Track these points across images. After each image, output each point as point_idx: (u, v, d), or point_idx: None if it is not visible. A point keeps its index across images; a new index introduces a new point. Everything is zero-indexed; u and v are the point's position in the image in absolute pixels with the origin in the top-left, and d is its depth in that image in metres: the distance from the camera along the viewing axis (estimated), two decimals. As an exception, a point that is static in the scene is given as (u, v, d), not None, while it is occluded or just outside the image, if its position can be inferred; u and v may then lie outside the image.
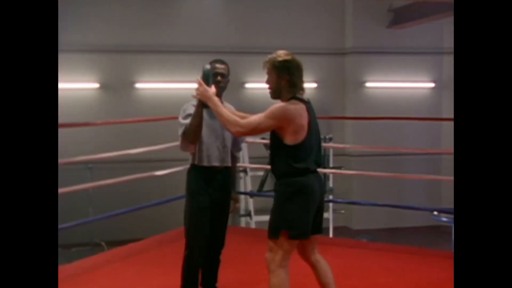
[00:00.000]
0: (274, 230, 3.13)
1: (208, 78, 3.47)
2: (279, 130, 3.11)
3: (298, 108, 3.08)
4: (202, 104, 3.47)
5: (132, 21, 8.50)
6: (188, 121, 3.55)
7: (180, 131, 3.59)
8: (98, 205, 7.17)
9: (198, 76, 3.47)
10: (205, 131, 3.61)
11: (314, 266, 3.39)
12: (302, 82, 3.16)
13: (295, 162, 3.08)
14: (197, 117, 3.52)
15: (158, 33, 8.59)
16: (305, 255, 3.39)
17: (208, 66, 3.54)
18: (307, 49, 9.27)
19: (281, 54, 3.18)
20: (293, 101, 3.11)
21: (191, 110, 3.57)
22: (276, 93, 3.19)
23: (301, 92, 3.16)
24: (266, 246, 3.11)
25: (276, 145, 3.16)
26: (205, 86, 3.32)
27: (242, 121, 3.14)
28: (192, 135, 3.54)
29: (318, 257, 3.39)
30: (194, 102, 3.58)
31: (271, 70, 3.18)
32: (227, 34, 8.92)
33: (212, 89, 3.37)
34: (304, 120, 3.07)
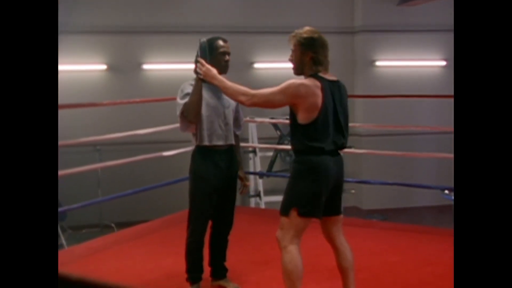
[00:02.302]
0: (285, 207, 3.13)
1: (205, 53, 3.40)
2: (293, 107, 3.10)
3: (312, 86, 3.03)
4: (201, 82, 3.41)
5: (139, 2, 8.43)
6: (186, 100, 3.46)
7: (178, 111, 3.50)
8: (107, 187, 7.17)
9: (196, 53, 3.41)
10: (205, 110, 3.52)
11: (336, 249, 3.37)
12: (326, 60, 3.15)
13: (309, 141, 3.06)
14: (196, 94, 3.44)
15: (165, 13, 8.51)
16: (330, 237, 3.40)
17: (204, 40, 3.44)
18: (316, 27, 9.17)
19: (307, 31, 3.17)
20: (311, 78, 3.07)
21: (189, 89, 3.49)
22: (299, 69, 3.18)
23: (324, 70, 3.13)
24: (276, 227, 3.10)
25: (292, 123, 3.15)
26: (207, 65, 3.28)
27: (254, 91, 3.14)
28: (192, 113, 3.45)
29: (343, 241, 3.39)
30: (192, 81, 3.51)
31: (296, 45, 3.16)
32: (235, 14, 8.84)
33: (214, 71, 3.31)
34: (318, 99, 3.01)
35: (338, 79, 3.20)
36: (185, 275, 3.71)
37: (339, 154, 3.22)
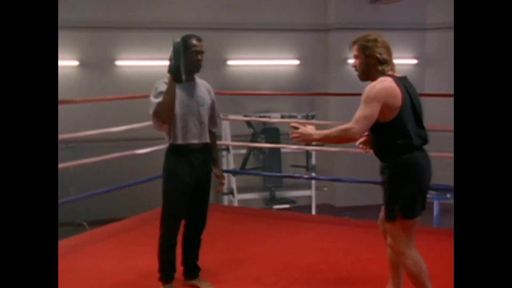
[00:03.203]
0: (390, 214, 3.10)
1: (179, 53, 3.36)
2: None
3: (389, 83, 3.00)
4: (175, 80, 3.38)
5: (112, -2, 8.35)
6: (160, 99, 3.43)
7: (151, 110, 3.46)
8: (79, 185, 7.10)
9: (171, 52, 3.38)
10: (179, 108, 3.49)
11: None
12: (391, 59, 3.13)
13: (396, 138, 3.02)
14: (170, 94, 3.41)
15: (138, 9, 8.45)
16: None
17: (178, 40, 3.38)
18: (289, 25, 9.20)
19: (368, 34, 3.15)
20: (383, 77, 3.04)
21: (163, 87, 3.45)
22: (365, 74, 3.14)
23: (391, 70, 3.11)
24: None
25: (374, 126, 3.05)
26: (302, 127, 3.17)
27: (350, 123, 3.01)
28: (165, 113, 3.42)
29: None
30: (166, 79, 3.47)
31: (360, 50, 3.12)
32: (209, 11, 8.81)
33: (310, 127, 3.18)
34: (398, 94, 2.98)
35: (405, 75, 3.16)
36: (158, 275, 3.69)
37: (425, 150, 3.14)
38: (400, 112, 2.98)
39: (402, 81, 3.06)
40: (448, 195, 6.75)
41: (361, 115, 2.97)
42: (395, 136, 3.02)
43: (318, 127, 3.21)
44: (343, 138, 3.05)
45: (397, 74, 3.10)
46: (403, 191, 3.04)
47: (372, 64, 3.09)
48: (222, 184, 3.92)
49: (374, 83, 3.03)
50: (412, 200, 3.05)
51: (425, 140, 3.10)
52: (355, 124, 2.97)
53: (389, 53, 3.12)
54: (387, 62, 3.09)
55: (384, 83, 2.99)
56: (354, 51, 3.16)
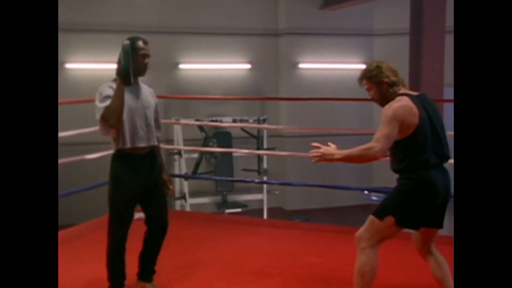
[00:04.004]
0: (383, 211, 3.12)
1: (128, 55, 3.34)
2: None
3: (405, 102, 3.05)
4: (124, 83, 3.35)
5: (60, -1, 8.22)
6: (107, 103, 3.36)
7: (98, 115, 3.40)
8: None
9: (119, 55, 3.37)
10: (126, 112, 3.44)
11: (433, 260, 3.33)
12: (399, 78, 3.18)
13: (412, 155, 3.06)
14: (118, 97, 3.36)
15: (88, 12, 8.35)
16: (424, 249, 3.35)
17: (127, 42, 3.37)
18: (241, 29, 9.26)
19: (370, 64, 3.23)
20: (398, 98, 3.10)
21: (109, 91, 3.40)
22: (384, 100, 3.17)
23: (404, 88, 3.17)
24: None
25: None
26: (322, 146, 3.17)
27: (371, 142, 3.05)
28: (114, 118, 3.36)
29: (436, 252, 3.34)
30: (111, 83, 3.44)
31: (369, 82, 3.20)
32: (160, 14, 8.78)
33: (332, 147, 3.18)
34: (415, 111, 3.03)
35: (424, 93, 3.23)
36: (108, 283, 3.66)
37: (444, 168, 3.18)
38: (417, 130, 3.04)
39: (419, 99, 3.12)
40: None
41: (381, 135, 3.04)
42: (411, 153, 3.07)
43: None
44: (366, 158, 3.09)
45: (413, 93, 3.17)
46: (407, 201, 3.08)
47: (385, 90, 3.16)
48: (170, 189, 3.88)
49: (391, 102, 3.10)
50: (412, 213, 3.09)
51: (444, 158, 3.14)
52: (376, 143, 3.03)
53: (395, 74, 3.18)
54: (396, 83, 3.16)
55: (401, 102, 3.06)
56: (365, 86, 3.24)
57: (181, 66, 8.94)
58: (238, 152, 7.97)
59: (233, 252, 4.79)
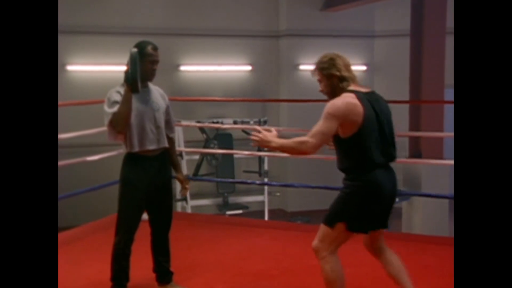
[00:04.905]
0: (332, 219, 3.08)
1: (135, 63, 3.33)
2: (338, 126, 3.03)
3: (350, 99, 2.99)
4: (132, 91, 3.36)
5: (62, 1, 8.23)
6: (115, 109, 3.38)
7: (106, 120, 3.41)
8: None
9: (126, 60, 3.37)
10: (134, 116, 3.46)
11: (384, 259, 3.31)
12: (351, 74, 3.12)
13: (357, 154, 3.02)
14: (126, 104, 3.37)
15: (89, 14, 8.37)
16: (375, 249, 3.33)
17: (135, 50, 3.37)
18: (241, 31, 9.27)
19: (323, 56, 3.16)
20: (345, 94, 3.04)
21: (117, 97, 3.41)
22: (332, 94, 3.12)
23: (354, 84, 3.10)
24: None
25: (336, 141, 3.09)
26: (262, 131, 3.15)
27: (306, 137, 3.01)
28: (121, 124, 3.39)
29: (388, 250, 3.32)
30: (119, 88, 3.45)
31: (320, 73, 3.14)
32: (162, 16, 8.79)
33: (273, 133, 3.18)
34: (360, 110, 2.96)
35: (374, 90, 3.17)
36: (110, 283, 3.67)
37: (391, 168, 3.14)
38: (361, 129, 2.97)
39: (367, 96, 3.05)
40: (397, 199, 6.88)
41: (318, 130, 2.99)
42: (355, 152, 3.03)
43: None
44: (297, 151, 3.07)
45: (363, 89, 3.10)
46: (355, 205, 3.04)
47: (335, 83, 3.10)
48: (186, 188, 3.91)
49: (335, 99, 3.04)
50: (362, 216, 3.04)
51: (390, 157, 3.09)
52: (310, 138, 2.98)
53: (348, 69, 3.12)
54: (347, 78, 3.09)
55: (346, 99, 2.99)
56: (316, 76, 3.18)
57: (182, 67, 8.95)
58: (239, 153, 7.97)
59: (234, 254, 4.79)
